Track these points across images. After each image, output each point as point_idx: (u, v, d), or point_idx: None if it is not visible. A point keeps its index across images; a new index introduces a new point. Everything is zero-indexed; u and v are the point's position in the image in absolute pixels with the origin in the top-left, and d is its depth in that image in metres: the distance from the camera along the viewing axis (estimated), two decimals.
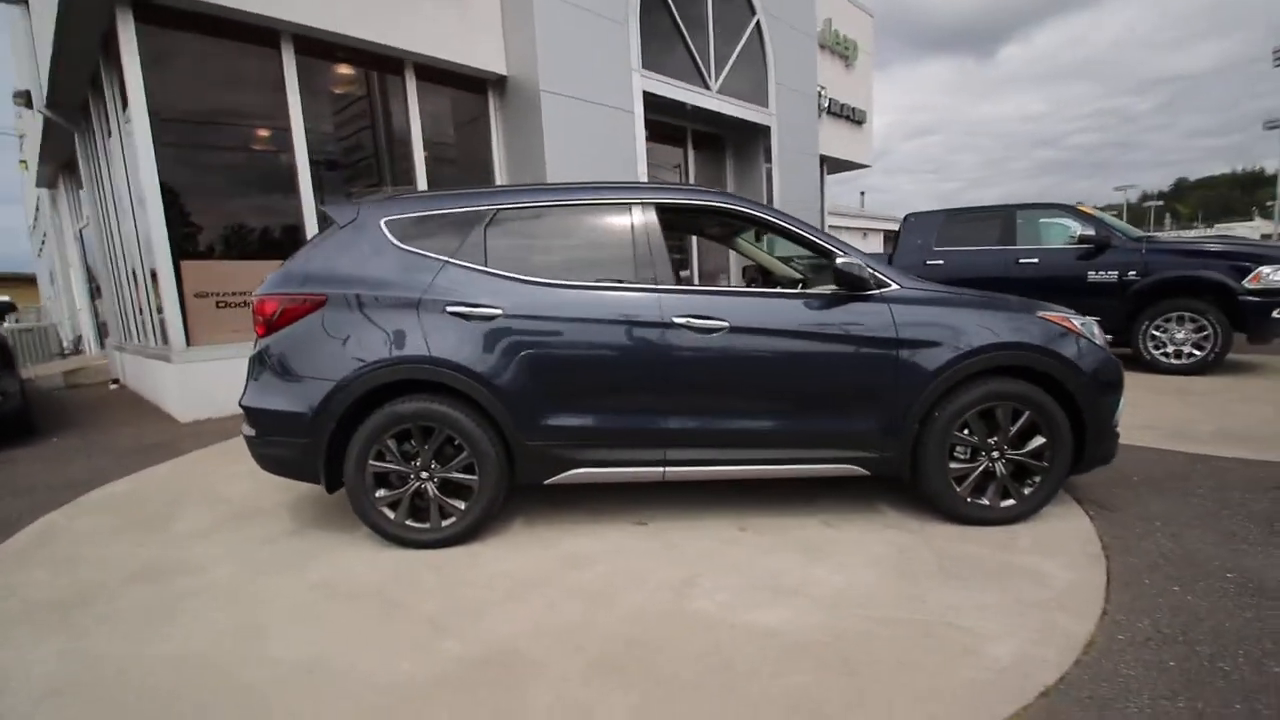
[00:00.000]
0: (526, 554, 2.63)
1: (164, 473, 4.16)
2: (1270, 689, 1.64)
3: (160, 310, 5.71)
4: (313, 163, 6.16)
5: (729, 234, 3.91)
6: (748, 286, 4.07)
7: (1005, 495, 2.68)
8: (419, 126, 6.96)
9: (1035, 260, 6.52)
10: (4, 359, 5.22)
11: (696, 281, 10.04)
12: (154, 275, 5.73)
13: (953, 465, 2.65)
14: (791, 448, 2.67)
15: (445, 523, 2.68)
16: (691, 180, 10.63)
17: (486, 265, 2.67)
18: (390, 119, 6.90)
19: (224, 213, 5.98)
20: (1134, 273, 5.90)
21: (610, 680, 1.80)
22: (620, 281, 2.66)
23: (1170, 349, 5.77)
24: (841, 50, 13.84)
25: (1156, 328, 5.82)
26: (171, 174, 5.40)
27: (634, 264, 2.68)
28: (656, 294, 2.62)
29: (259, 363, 2.71)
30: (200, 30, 5.50)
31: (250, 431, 2.73)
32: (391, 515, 2.67)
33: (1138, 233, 6.47)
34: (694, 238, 9.44)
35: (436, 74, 6.99)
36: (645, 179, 8.20)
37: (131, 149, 5.52)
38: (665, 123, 9.42)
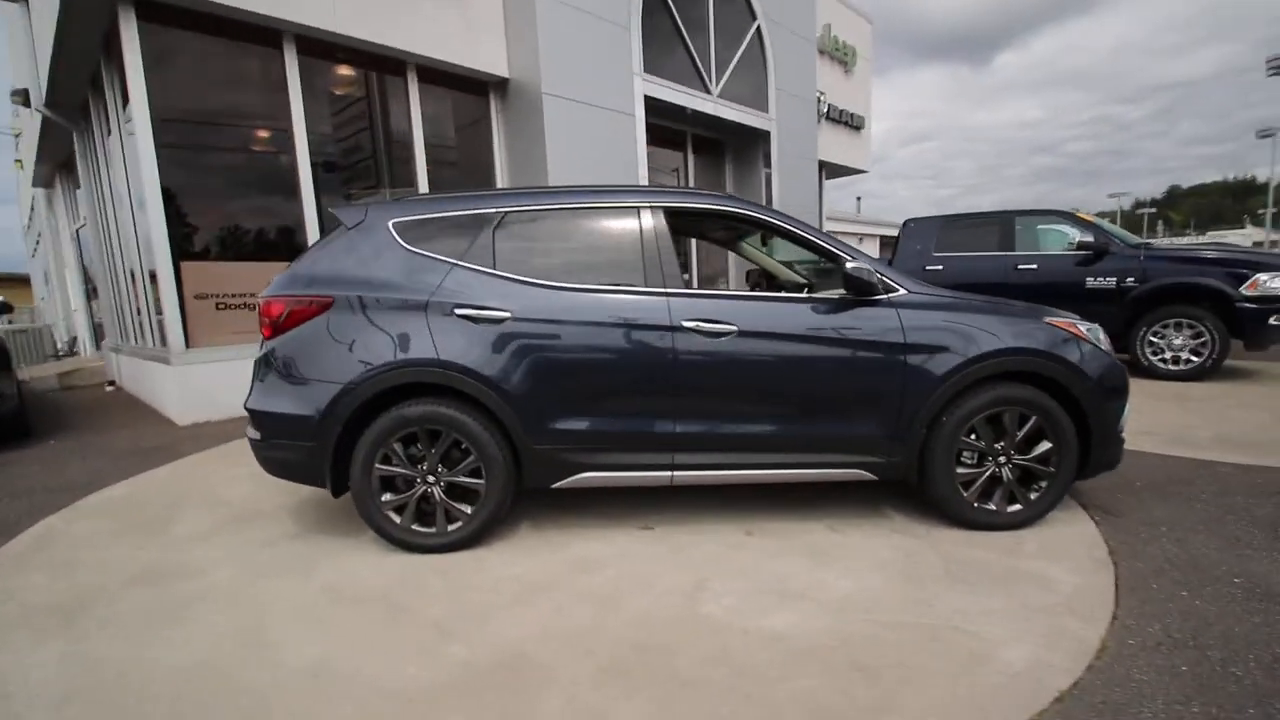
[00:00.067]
0: (533, 558, 2.62)
1: (163, 476, 4.12)
2: None
3: (159, 312, 5.68)
4: (314, 164, 6.14)
5: (733, 238, 3.92)
6: (752, 291, 4.07)
7: (1011, 500, 2.69)
8: (420, 128, 6.95)
9: (1034, 266, 6.56)
10: (1, 360, 5.17)
11: (696, 285, 10.07)
12: (153, 276, 5.70)
13: (959, 470, 2.66)
14: (799, 452, 2.66)
15: (451, 527, 2.67)
16: (691, 185, 10.65)
17: (495, 268, 2.66)
18: (392, 121, 6.89)
19: (224, 214, 5.96)
20: (1132, 279, 5.93)
21: (621, 685, 1.79)
22: (629, 285, 2.66)
23: (1168, 355, 5.81)
24: (841, 56, 13.92)
25: (1154, 334, 5.85)
26: (172, 174, 5.38)
27: (643, 267, 2.68)
28: (665, 298, 2.62)
29: (265, 365, 2.69)
30: (202, 30, 5.48)
31: (255, 435, 2.71)
32: (397, 519, 2.66)
33: (1135, 239, 6.52)
34: (693, 241, 9.45)
35: (438, 76, 6.99)
36: (646, 183, 8.22)
37: (132, 149, 5.49)
38: (665, 127, 9.44)
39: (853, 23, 14.51)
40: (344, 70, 6.53)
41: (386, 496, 2.66)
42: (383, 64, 6.62)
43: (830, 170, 14.89)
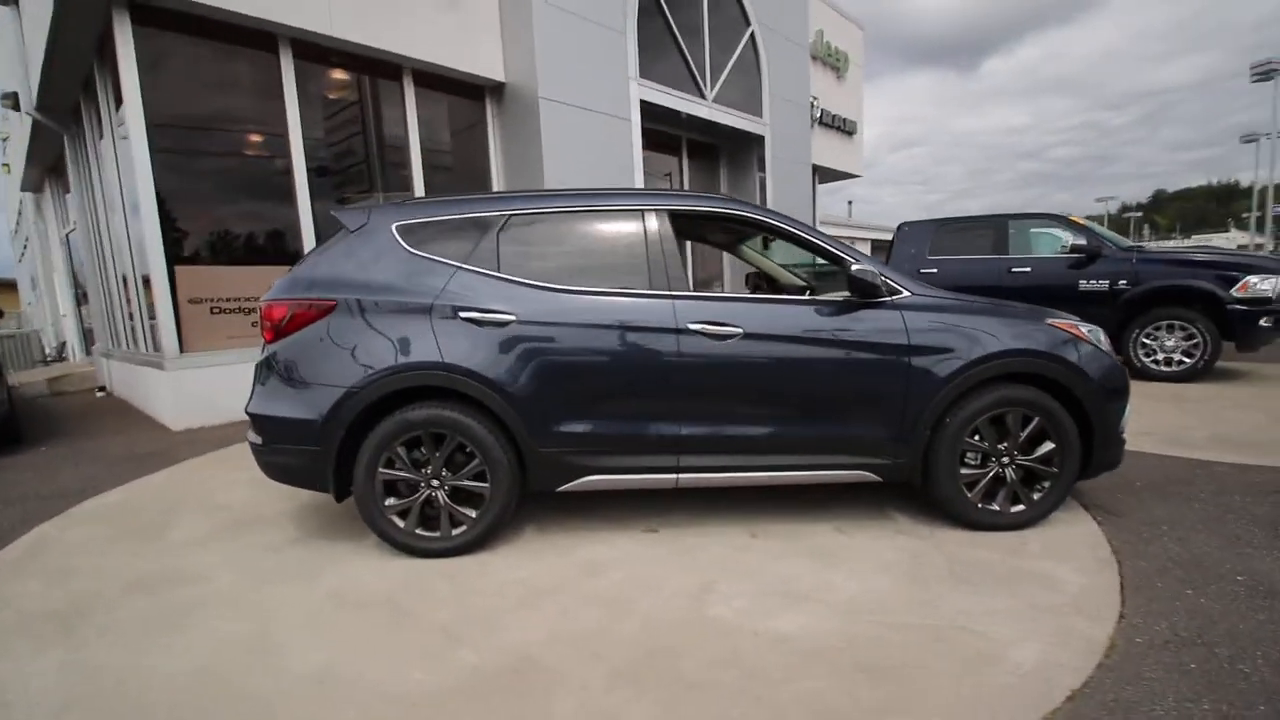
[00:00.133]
0: (539, 562, 2.61)
1: (158, 481, 4.08)
2: None
3: (153, 316, 5.63)
4: (309, 168, 6.12)
5: (733, 241, 3.93)
6: (752, 294, 4.08)
7: (1015, 501, 2.70)
8: (417, 133, 6.94)
9: (1027, 269, 6.62)
10: None
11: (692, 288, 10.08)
12: (146, 281, 5.64)
13: (963, 471, 2.67)
14: (804, 454, 2.67)
15: (456, 531, 2.65)
16: (686, 189, 10.68)
17: (499, 271, 2.65)
18: (388, 125, 6.87)
19: (219, 218, 5.92)
20: (1124, 282, 6.00)
21: (631, 688, 1.78)
22: (634, 288, 2.66)
23: (1160, 357, 5.87)
24: (833, 62, 14.03)
25: (1147, 336, 5.92)
26: (167, 178, 5.34)
27: (647, 270, 2.68)
28: (671, 300, 2.62)
29: (266, 369, 2.67)
30: (197, 33, 5.45)
31: (256, 439, 2.69)
32: (401, 524, 2.63)
33: (1127, 242, 6.59)
34: (688, 244, 9.47)
35: (434, 80, 6.98)
36: (642, 187, 8.23)
37: (126, 153, 5.45)
38: (661, 131, 9.47)
39: (845, 29, 14.63)
40: (340, 74, 6.51)
41: (390, 501, 2.64)
42: (379, 68, 6.61)
43: (823, 175, 14.98)
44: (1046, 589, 2.23)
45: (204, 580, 2.58)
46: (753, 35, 10.12)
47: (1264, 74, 28.46)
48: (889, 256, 7.64)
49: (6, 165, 12.35)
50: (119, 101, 5.59)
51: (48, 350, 12.83)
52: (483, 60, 7.07)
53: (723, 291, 9.73)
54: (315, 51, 6.08)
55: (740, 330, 2.59)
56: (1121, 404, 2.71)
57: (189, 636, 2.17)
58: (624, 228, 2.75)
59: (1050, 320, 2.73)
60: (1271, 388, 5.47)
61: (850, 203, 27.68)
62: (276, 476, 2.75)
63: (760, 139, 10.59)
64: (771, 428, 2.65)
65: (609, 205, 2.79)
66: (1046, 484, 2.69)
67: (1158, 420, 4.42)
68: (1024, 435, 2.65)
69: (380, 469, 2.59)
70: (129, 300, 6.63)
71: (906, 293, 2.69)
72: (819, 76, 13.44)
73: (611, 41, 7.73)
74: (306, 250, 6.05)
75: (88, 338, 10.36)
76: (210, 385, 5.47)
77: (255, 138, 6.00)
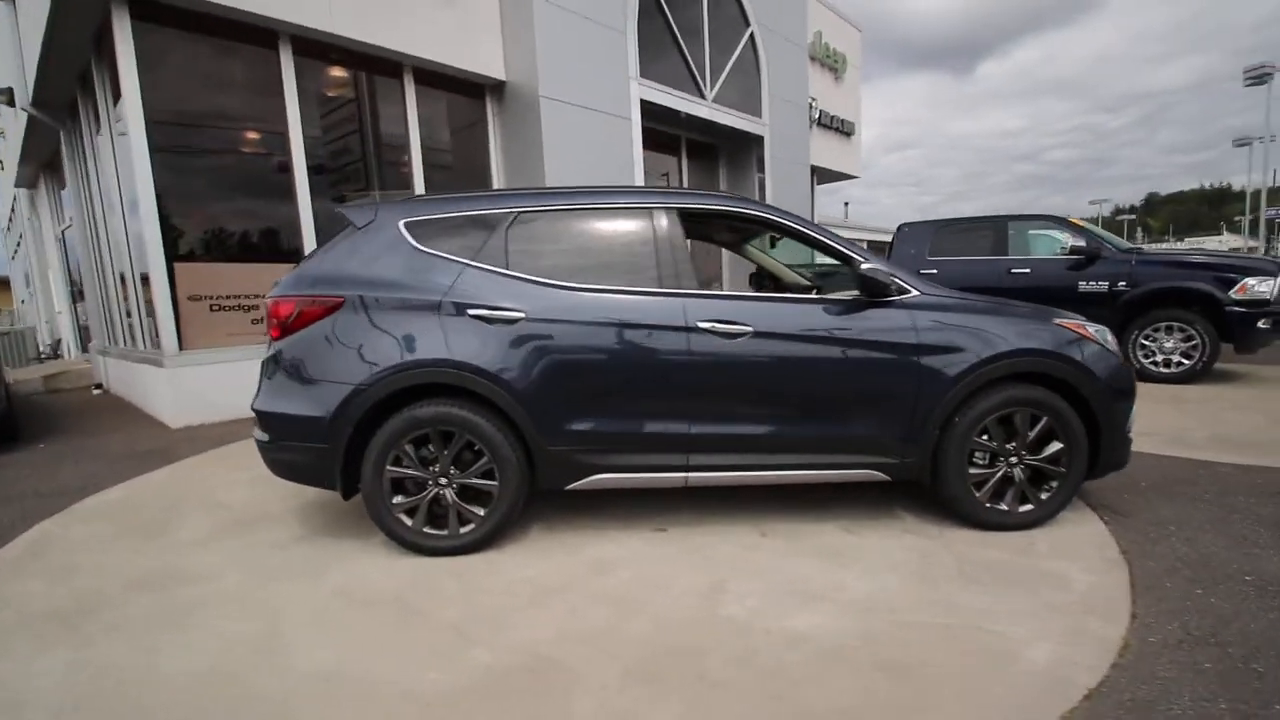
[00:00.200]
0: (547, 560, 2.60)
1: (159, 479, 4.04)
2: None
3: (151, 313, 5.58)
4: (310, 165, 6.08)
5: (738, 240, 3.92)
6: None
7: (1023, 500, 2.70)
8: (417, 131, 6.91)
9: (1027, 270, 6.64)
10: None
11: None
12: (145, 278, 5.60)
13: (972, 470, 2.67)
14: (813, 453, 2.67)
15: (464, 529, 2.63)
16: (686, 188, 10.68)
17: (508, 268, 2.64)
18: (389, 123, 6.84)
19: (219, 215, 5.88)
20: (1123, 283, 6.03)
21: (649, 688, 1.77)
22: (644, 286, 2.65)
23: (1159, 358, 5.90)
24: (831, 63, 14.06)
25: (1146, 337, 5.95)
26: (166, 175, 5.30)
27: (657, 268, 2.67)
28: (681, 298, 2.62)
29: (273, 366, 2.65)
30: (197, 29, 5.42)
31: (263, 436, 2.66)
32: (409, 522, 2.62)
33: (1126, 244, 6.63)
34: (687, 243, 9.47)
35: (435, 78, 6.96)
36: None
37: (124, 149, 5.40)
38: (660, 131, 9.46)
39: (843, 30, 14.67)
40: (340, 71, 6.48)
41: (398, 499, 2.62)
42: (379, 66, 6.58)
43: (822, 175, 15.02)
44: (1057, 588, 2.23)
45: (209, 578, 2.56)
46: (752, 36, 10.13)
47: (1257, 78, 28.68)
48: (888, 257, 7.66)
49: (0, 162, 12.25)
50: (117, 97, 5.54)
51: (42, 348, 12.72)
52: (483, 59, 7.05)
53: (722, 290, 9.74)
54: (316, 48, 6.04)
55: (750, 329, 2.59)
56: (1129, 404, 2.72)
57: (196, 635, 2.15)
58: (634, 225, 2.75)
59: (1057, 320, 2.73)
60: (1270, 389, 5.51)
61: (847, 204, 27.79)
62: (283, 474, 2.73)
63: (759, 139, 10.60)
64: (781, 426, 2.64)
65: (619, 203, 2.78)
66: (1054, 484, 2.70)
67: (1158, 421, 4.44)
68: (1032, 435, 2.65)
69: (388, 467, 2.58)
70: (127, 297, 6.58)
71: (915, 292, 2.69)
72: (817, 77, 13.47)
73: (612, 41, 7.72)
74: (306, 247, 6.03)
75: (83, 335, 10.28)
76: (209, 383, 5.43)
77: (255, 135, 5.97)
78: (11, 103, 7.84)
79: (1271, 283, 5.51)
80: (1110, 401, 2.65)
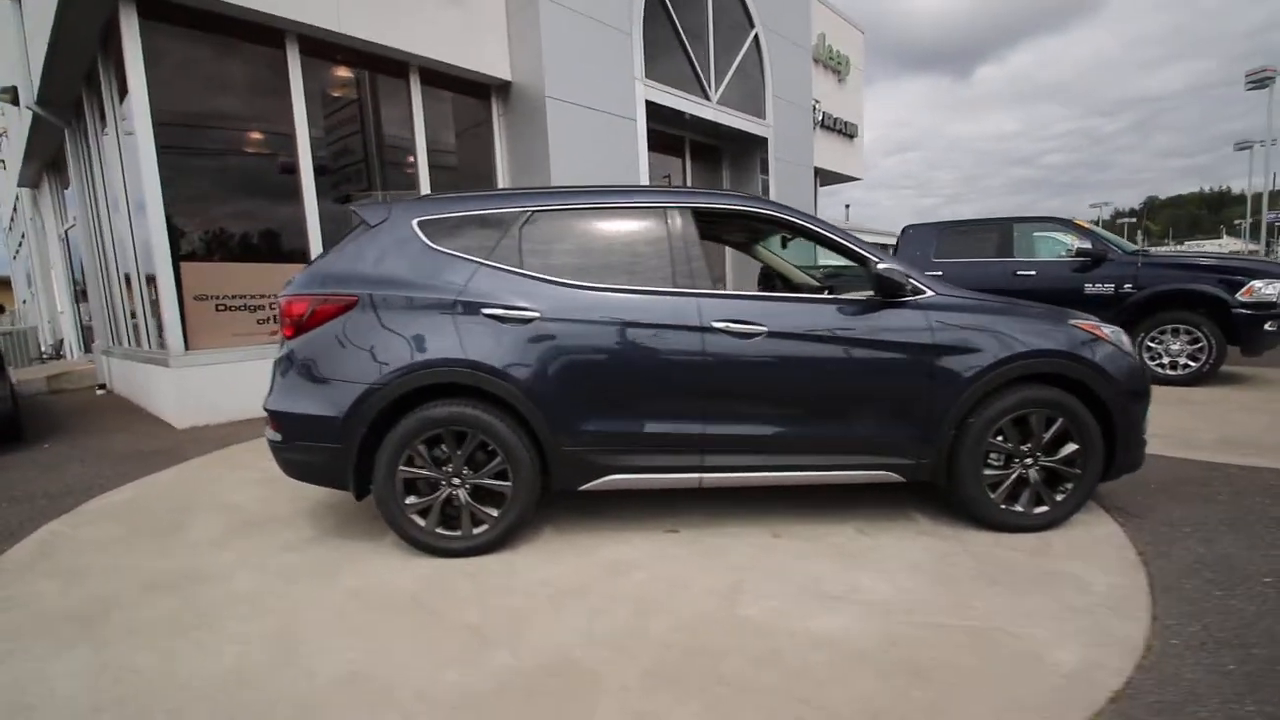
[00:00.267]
0: (562, 562, 2.59)
1: (166, 480, 4.03)
2: None
3: (157, 313, 5.57)
4: (316, 165, 6.08)
5: (750, 240, 3.92)
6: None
7: (1038, 502, 2.69)
8: (423, 130, 6.91)
9: (1032, 272, 6.64)
10: None
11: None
12: (151, 277, 5.59)
13: (987, 472, 2.66)
14: (828, 453, 2.66)
15: (477, 530, 2.62)
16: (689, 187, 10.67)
17: (522, 267, 2.63)
18: (395, 123, 6.84)
19: (225, 214, 5.87)
20: (1130, 285, 6.02)
21: (673, 690, 1.76)
22: (658, 285, 2.64)
23: (1166, 360, 5.89)
24: (835, 65, 14.07)
25: (1152, 339, 5.94)
26: (172, 174, 5.29)
27: (671, 268, 2.66)
28: (695, 298, 2.61)
29: (286, 365, 2.64)
30: (203, 28, 5.41)
31: (276, 436, 2.65)
32: (422, 523, 2.61)
33: (1132, 247, 6.63)
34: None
35: (441, 78, 6.96)
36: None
37: (131, 148, 5.39)
38: (664, 132, 9.47)
39: (846, 32, 14.69)
40: (347, 71, 6.48)
41: (411, 499, 2.61)
42: (385, 66, 6.58)
43: (824, 177, 15.03)
44: (1076, 590, 2.22)
45: (223, 580, 2.55)
46: (756, 37, 10.14)
47: (1259, 81, 28.74)
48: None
49: (2, 162, 12.24)
50: (123, 95, 5.54)
51: (44, 348, 12.70)
52: (488, 59, 7.05)
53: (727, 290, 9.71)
54: (322, 48, 6.04)
55: (765, 329, 2.58)
56: (1144, 405, 2.71)
57: (214, 637, 2.14)
58: (648, 225, 2.74)
59: (1072, 321, 2.73)
60: (1276, 391, 5.50)
61: (848, 206, 27.78)
62: (295, 474, 2.72)
63: (763, 141, 10.60)
64: (796, 427, 2.63)
65: (633, 203, 2.78)
66: (1069, 485, 2.69)
67: (1167, 423, 4.43)
68: (1047, 436, 2.65)
69: (401, 467, 2.57)
70: (132, 297, 6.57)
71: (930, 292, 2.69)
72: (820, 79, 13.49)
73: (617, 42, 7.72)
74: (312, 247, 6.02)
75: (86, 335, 10.26)
76: (215, 383, 5.42)
77: (262, 134, 5.96)
78: (16, 101, 7.85)
79: (1278, 285, 5.52)
80: (1126, 403, 2.64)
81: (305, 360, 2.61)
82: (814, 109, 12.68)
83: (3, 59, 8.12)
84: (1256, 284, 5.56)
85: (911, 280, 2.66)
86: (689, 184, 10.68)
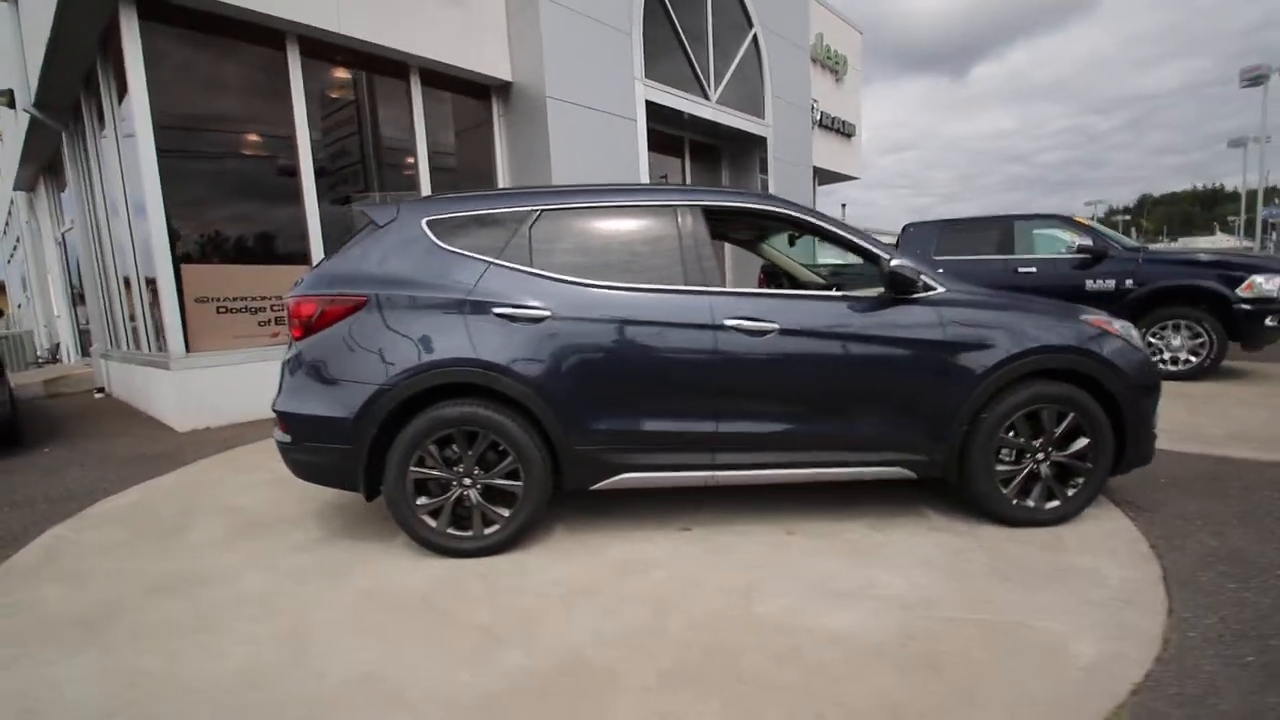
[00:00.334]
0: (573, 562, 2.57)
1: (169, 483, 4.00)
2: None
3: (157, 316, 5.54)
4: (317, 166, 6.06)
5: (756, 238, 3.91)
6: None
7: (1050, 497, 2.70)
8: (423, 131, 6.89)
9: (1033, 270, 6.65)
10: None
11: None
12: (151, 280, 5.56)
13: (998, 467, 2.66)
14: (840, 450, 2.65)
15: (488, 530, 2.61)
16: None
17: (532, 266, 2.62)
18: (395, 124, 6.82)
19: (225, 216, 5.84)
20: (1131, 282, 6.04)
21: (692, 689, 1.75)
22: (669, 284, 2.63)
23: (1167, 356, 5.91)
24: (833, 65, 14.10)
25: (1153, 335, 5.96)
26: (173, 176, 5.26)
27: (682, 266, 2.66)
28: (707, 296, 2.60)
29: (295, 366, 2.62)
30: (204, 29, 5.39)
31: (285, 438, 2.64)
32: (433, 523, 2.59)
33: (1133, 243, 6.65)
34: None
35: (441, 79, 6.94)
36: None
37: (131, 150, 5.36)
38: (663, 132, 9.47)
39: (844, 32, 14.72)
40: (347, 73, 6.46)
41: (422, 500, 2.59)
42: (385, 67, 6.56)
43: (823, 177, 15.05)
44: (1091, 584, 2.22)
45: (231, 582, 2.53)
46: (755, 37, 10.15)
47: (1254, 80, 28.87)
48: None
49: None
50: (121, 98, 5.51)
51: (40, 352, 12.62)
52: (489, 59, 7.04)
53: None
54: (323, 49, 6.02)
55: (777, 326, 2.57)
56: (1154, 399, 2.72)
57: (223, 639, 2.12)
58: (658, 223, 2.73)
59: (1083, 316, 2.73)
60: (1275, 385, 5.53)
61: (844, 205, 27.78)
62: (305, 475, 2.70)
63: (762, 140, 10.61)
64: (808, 424, 2.63)
65: (643, 201, 2.77)
66: (1080, 480, 2.69)
67: (1170, 418, 4.43)
68: (1059, 431, 2.65)
69: (412, 467, 2.55)
70: (131, 300, 6.53)
71: (941, 289, 2.69)
72: (818, 79, 13.51)
73: (617, 42, 7.72)
74: (313, 248, 6.00)
75: (83, 339, 10.20)
76: (217, 385, 5.39)
77: (262, 136, 5.94)
78: (12, 104, 7.78)
79: (1278, 280, 5.54)
80: (1137, 397, 2.65)
81: (314, 361, 2.59)
82: (812, 109, 12.69)
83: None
84: (1257, 279, 5.58)
85: (923, 277, 2.66)
86: (689, 183, 10.68)
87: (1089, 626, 1.95)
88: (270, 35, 5.68)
